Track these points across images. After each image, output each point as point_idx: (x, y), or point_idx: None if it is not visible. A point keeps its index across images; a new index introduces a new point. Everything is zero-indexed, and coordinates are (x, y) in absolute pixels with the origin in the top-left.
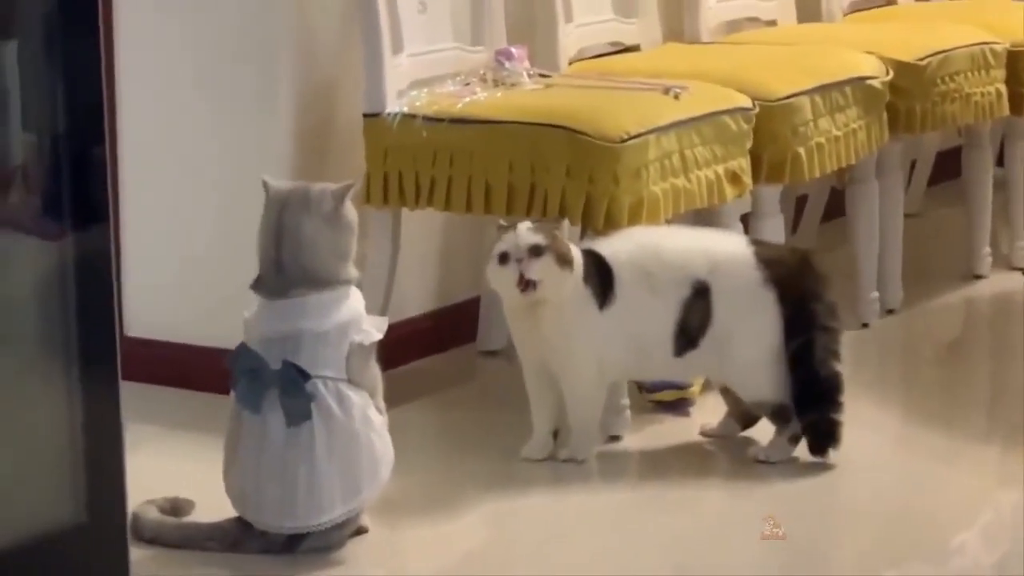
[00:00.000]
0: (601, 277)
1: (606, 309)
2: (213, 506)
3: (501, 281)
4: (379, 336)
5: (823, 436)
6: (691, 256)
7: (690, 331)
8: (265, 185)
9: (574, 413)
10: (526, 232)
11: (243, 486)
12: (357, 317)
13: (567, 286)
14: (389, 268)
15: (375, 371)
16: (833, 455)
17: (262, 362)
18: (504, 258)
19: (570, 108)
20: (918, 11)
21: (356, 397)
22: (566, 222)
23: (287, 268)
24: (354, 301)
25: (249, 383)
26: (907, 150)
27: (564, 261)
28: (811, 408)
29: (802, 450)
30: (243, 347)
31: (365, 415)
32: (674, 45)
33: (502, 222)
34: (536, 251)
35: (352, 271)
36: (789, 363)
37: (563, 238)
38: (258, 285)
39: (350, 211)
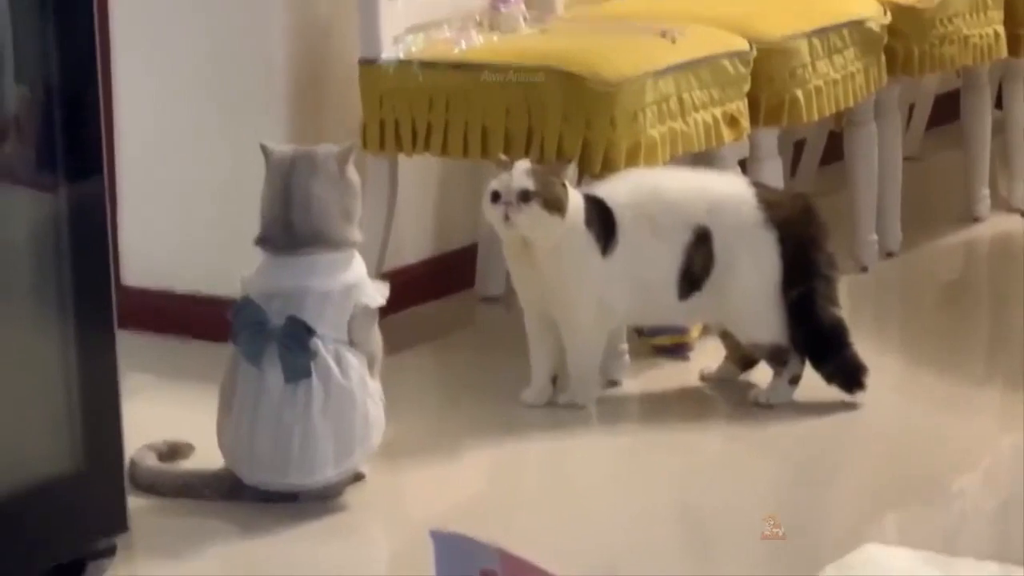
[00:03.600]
0: (603, 221)
1: (608, 254)
2: (210, 454)
3: (492, 216)
4: (382, 301)
5: (850, 374)
6: (692, 198)
7: (694, 274)
8: (265, 150)
9: (574, 359)
10: (519, 174)
11: (236, 442)
12: (362, 280)
13: (554, 232)
14: (387, 214)
15: (377, 338)
16: (862, 395)
17: (265, 316)
18: (495, 197)
19: (566, 52)
20: None
21: (355, 360)
22: (571, 166)
23: (298, 228)
24: (358, 265)
25: (251, 336)
26: (905, 93)
27: (553, 207)
28: (826, 356)
29: (800, 393)
30: (246, 300)
31: (362, 379)
32: None
33: (502, 156)
34: (524, 196)
35: (358, 233)
36: (790, 313)
37: (561, 183)
38: (264, 242)
39: (353, 173)
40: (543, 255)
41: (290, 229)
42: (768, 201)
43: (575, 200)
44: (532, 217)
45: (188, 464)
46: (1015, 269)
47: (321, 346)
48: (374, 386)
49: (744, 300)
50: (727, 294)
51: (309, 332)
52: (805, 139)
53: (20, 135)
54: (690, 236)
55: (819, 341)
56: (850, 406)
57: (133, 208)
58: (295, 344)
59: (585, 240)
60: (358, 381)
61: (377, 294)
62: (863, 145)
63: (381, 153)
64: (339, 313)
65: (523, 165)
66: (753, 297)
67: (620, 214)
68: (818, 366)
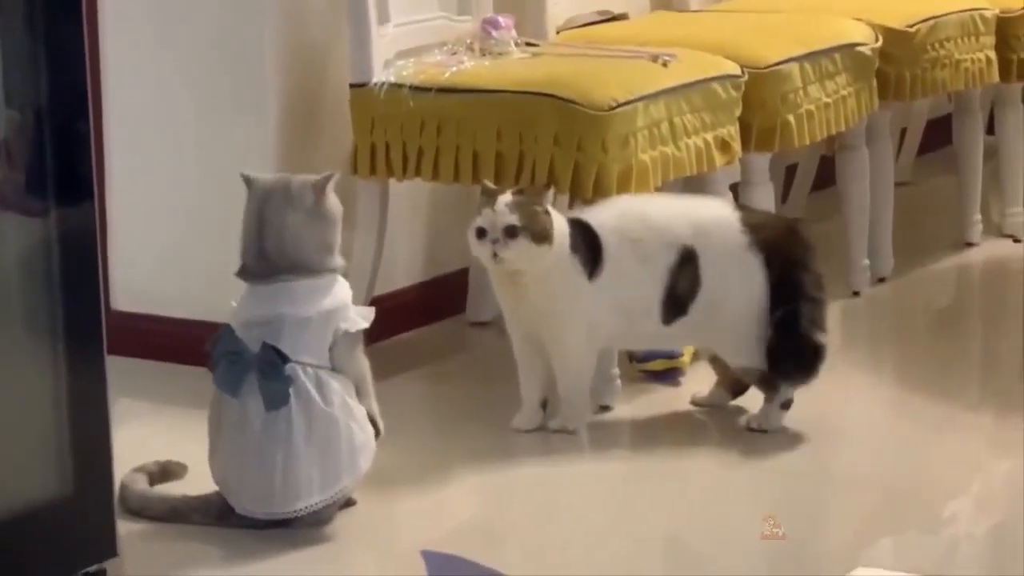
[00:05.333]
0: (589, 246)
1: (595, 278)
2: (203, 478)
3: (479, 252)
4: (365, 325)
5: (792, 371)
6: (677, 222)
7: (679, 298)
8: (247, 179)
9: (564, 383)
10: (504, 209)
11: (224, 470)
12: (342, 306)
13: (544, 261)
14: (377, 239)
15: (362, 361)
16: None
17: (242, 345)
18: (481, 233)
19: (558, 77)
20: None
21: (337, 385)
22: (552, 191)
23: (272, 257)
24: (340, 290)
25: (229, 366)
26: (897, 118)
27: (540, 238)
28: (788, 367)
29: (792, 419)
30: (225, 330)
31: (345, 403)
32: (662, 13)
33: (487, 183)
34: (511, 232)
35: (338, 261)
36: (772, 330)
37: (544, 212)
38: (242, 272)
39: (332, 202)
40: (531, 282)
41: (265, 258)
42: (753, 224)
43: (560, 226)
44: (520, 251)
45: (181, 487)
46: (1007, 294)
47: (300, 372)
48: (360, 410)
49: (731, 324)
50: (714, 318)
51: (284, 359)
52: (797, 164)
53: (10, 160)
54: (675, 257)
55: (787, 358)
56: (843, 431)
57: (123, 233)
58: (272, 371)
59: (571, 265)
60: (341, 406)
61: (359, 318)
62: (855, 170)
63: (372, 177)
64: (318, 339)
65: (505, 199)
66: (740, 321)
67: (606, 238)
68: (772, 368)
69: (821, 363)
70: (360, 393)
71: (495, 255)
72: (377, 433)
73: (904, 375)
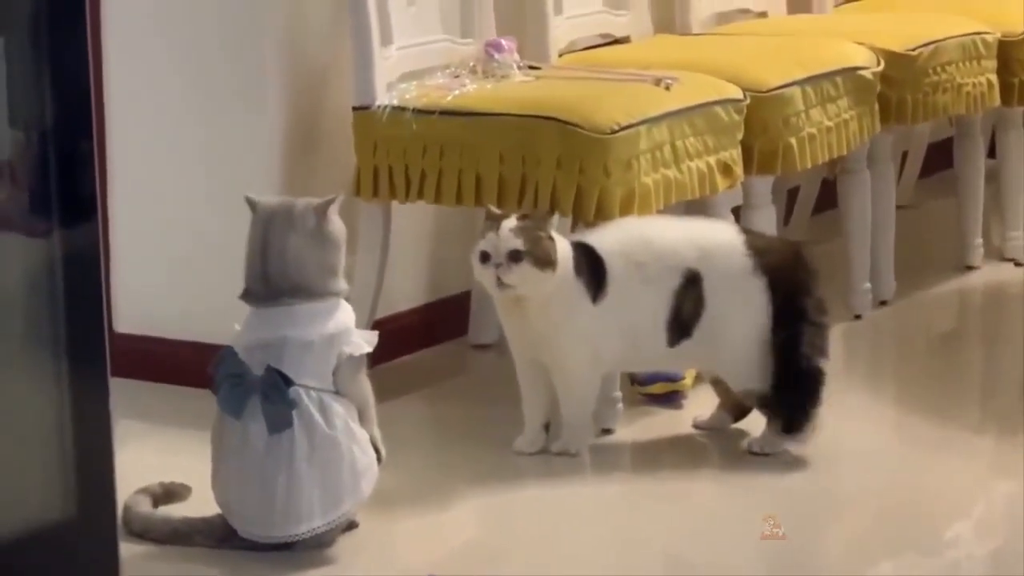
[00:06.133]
0: (592, 270)
1: (599, 301)
2: (204, 501)
3: (483, 277)
4: (369, 349)
5: (794, 422)
6: (681, 245)
7: (683, 320)
8: (250, 202)
9: (567, 406)
10: (507, 234)
11: (226, 493)
12: (345, 329)
13: (547, 286)
14: (380, 262)
15: (365, 385)
16: (798, 446)
17: (245, 368)
18: (485, 257)
19: (560, 100)
20: (908, 1)
21: (340, 408)
22: (556, 217)
23: (275, 281)
24: (343, 314)
25: (231, 388)
26: (898, 141)
27: (544, 263)
28: (790, 395)
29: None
30: (227, 352)
31: (348, 427)
32: (664, 36)
33: (492, 208)
34: (515, 256)
35: (341, 284)
36: (774, 354)
37: (548, 237)
38: (246, 295)
39: (335, 225)
40: (534, 307)
41: (268, 282)
42: (757, 248)
43: (563, 249)
44: (524, 276)
45: (184, 508)
46: (1008, 317)
47: (303, 395)
48: (362, 434)
49: (734, 347)
50: (717, 341)
51: (287, 382)
52: (799, 187)
53: (14, 181)
54: (679, 280)
55: (788, 383)
56: (845, 454)
57: (126, 255)
58: (275, 394)
59: (575, 288)
60: (343, 429)
61: (362, 342)
62: (856, 193)
63: (374, 200)
64: (321, 362)
65: (510, 223)
66: (743, 344)
67: (610, 261)
68: (775, 398)
69: (822, 388)
70: (363, 418)
71: (499, 279)
72: (379, 459)
73: (905, 398)
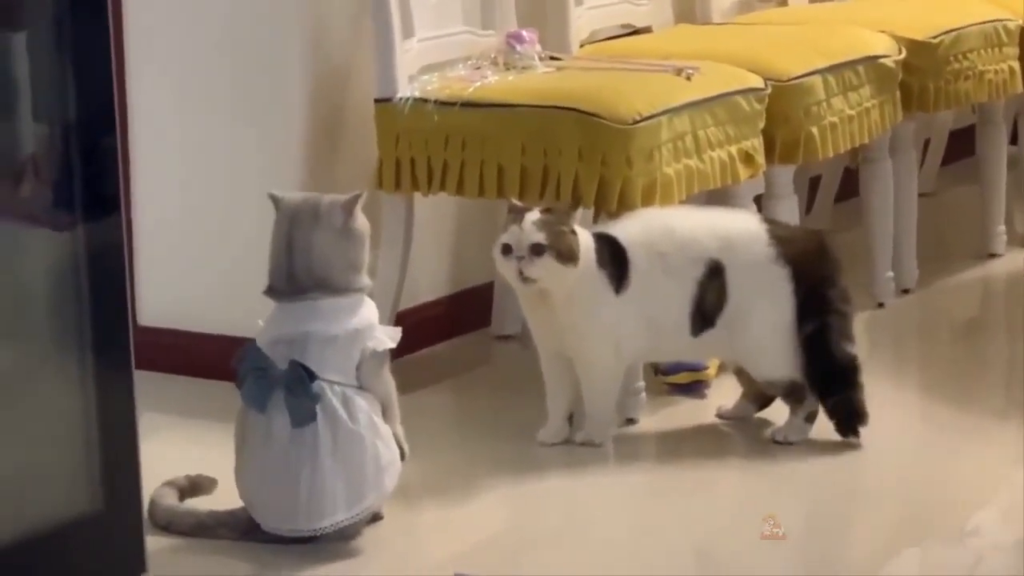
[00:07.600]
0: (615, 261)
1: (622, 292)
2: (230, 493)
3: (505, 270)
4: (392, 344)
5: (849, 416)
6: (704, 235)
7: (706, 310)
8: (274, 199)
9: (590, 397)
10: (530, 227)
11: (250, 487)
12: (369, 325)
13: (569, 280)
14: (403, 254)
15: (389, 381)
16: (863, 433)
17: (269, 362)
18: (507, 250)
19: (582, 90)
20: None
21: (363, 403)
22: (579, 211)
23: (299, 277)
24: (367, 310)
25: (255, 382)
26: (920, 129)
27: (566, 257)
28: (832, 391)
29: (817, 430)
30: (251, 346)
31: (372, 421)
32: (685, 26)
33: (515, 201)
34: (537, 250)
35: (365, 280)
36: (804, 348)
37: (570, 231)
38: (270, 290)
39: (360, 221)
40: (557, 299)
41: (292, 278)
42: (780, 237)
43: (585, 241)
44: (546, 269)
45: (211, 501)
46: None
47: (327, 390)
48: (386, 429)
49: (758, 337)
50: (740, 331)
51: (311, 376)
52: (820, 176)
53: (38, 176)
54: (702, 270)
55: (829, 378)
56: (868, 442)
57: (150, 248)
58: (299, 388)
59: (598, 280)
60: (367, 424)
61: (386, 338)
62: (878, 181)
63: (397, 192)
64: (344, 357)
65: (532, 216)
66: (767, 334)
67: (633, 252)
68: (823, 400)
69: (858, 374)
70: (386, 415)
71: (520, 272)
72: (403, 456)
73: (929, 386)
